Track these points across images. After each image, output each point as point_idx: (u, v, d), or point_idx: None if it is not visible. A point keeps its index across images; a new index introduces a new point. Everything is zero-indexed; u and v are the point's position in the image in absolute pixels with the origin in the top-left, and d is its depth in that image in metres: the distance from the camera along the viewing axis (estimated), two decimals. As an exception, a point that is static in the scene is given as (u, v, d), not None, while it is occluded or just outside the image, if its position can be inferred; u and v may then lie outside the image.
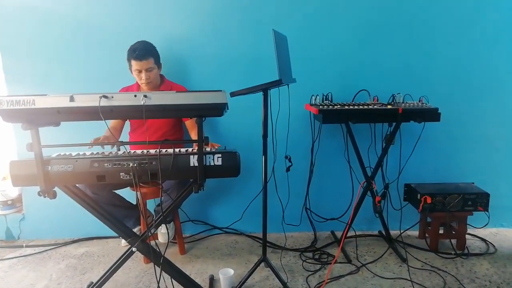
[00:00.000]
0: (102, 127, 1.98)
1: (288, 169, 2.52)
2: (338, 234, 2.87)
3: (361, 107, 2.47)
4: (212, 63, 2.73)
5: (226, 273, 2.19)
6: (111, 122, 2.50)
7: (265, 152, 2.16)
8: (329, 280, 2.29)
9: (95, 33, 2.67)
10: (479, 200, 2.61)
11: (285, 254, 2.63)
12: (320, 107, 2.47)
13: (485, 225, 2.79)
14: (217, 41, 2.71)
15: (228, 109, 1.76)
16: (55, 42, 2.69)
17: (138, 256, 2.53)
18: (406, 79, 2.78)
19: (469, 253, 2.61)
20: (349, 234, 2.74)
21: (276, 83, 1.91)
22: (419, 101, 2.58)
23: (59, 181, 1.72)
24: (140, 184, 1.75)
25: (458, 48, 2.76)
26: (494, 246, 2.72)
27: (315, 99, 2.59)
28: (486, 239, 2.82)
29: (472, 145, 2.90)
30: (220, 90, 1.65)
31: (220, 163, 1.77)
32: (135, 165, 1.71)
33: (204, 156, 1.75)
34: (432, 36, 2.74)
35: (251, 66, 2.72)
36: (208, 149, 1.92)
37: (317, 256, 2.60)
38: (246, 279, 2.22)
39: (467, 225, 2.70)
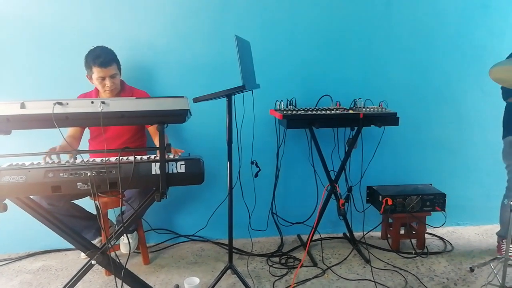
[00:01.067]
0: (58, 135, 1.89)
1: (256, 175, 2.52)
2: (304, 237, 2.90)
3: (324, 112, 2.52)
4: (175, 69, 2.69)
5: (192, 282, 2.14)
6: (69, 130, 2.40)
7: (230, 158, 2.14)
8: (295, 285, 2.30)
9: (49, 36, 2.54)
10: (436, 201, 2.73)
11: (252, 260, 2.62)
12: (285, 112, 2.49)
13: (442, 224, 2.92)
14: (180, 46, 2.67)
15: (191, 115, 1.73)
16: (3, 45, 2.53)
17: (99, 268, 2.43)
18: (367, 84, 2.86)
19: (428, 252, 2.71)
20: (314, 237, 2.78)
21: (240, 89, 1.90)
22: (379, 105, 2.67)
23: (10, 193, 1.61)
24: (100, 193, 1.68)
25: (414, 54, 2.87)
26: (451, 244, 2.85)
27: (279, 105, 2.61)
28: (444, 238, 2.94)
29: (428, 147, 3.03)
30: (182, 96, 1.62)
31: (184, 170, 1.74)
32: (93, 174, 1.64)
33: (166, 164, 1.71)
34: (389, 43, 2.84)
35: (215, 71, 2.70)
36: (171, 156, 1.88)
37: (283, 261, 2.61)
38: (213, 287, 2.19)
39: (426, 225, 2.81)
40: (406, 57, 2.88)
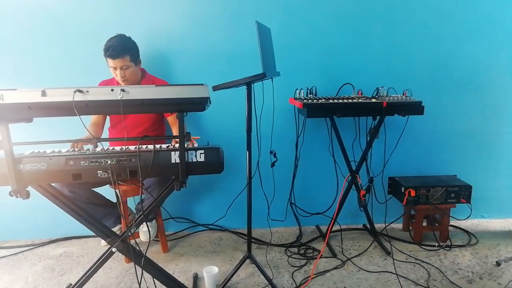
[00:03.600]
0: (79, 123, 1.90)
1: (273, 165, 2.48)
2: (323, 228, 2.86)
3: (345, 101, 2.45)
4: (194, 57, 2.66)
5: (210, 271, 2.14)
6: (92, 118, 2.41)
7: (249, 147, 2.11)
8: (314, 275, 2.28)
9: (69, 25, 2.54)
10: (461, 192, 2.64)
11: (270, 250, 2.60)
12: (305, 101, 2.43)
13: (467, 217, 2.83)
14: (199, 34, 2.63)
15: (210, 103, 1.70)
16: (24, 33, 2.55)
17: (119, 256, 2.46)
18: (390, 73, 2.77)
19: (452, 245, 2.64)
20: (334, 228, 2.73)
21: (260, 77, 1.85)
22: (403, 94, 2.58)
23: (32, 181, 1.63)
24: (120, 181, 1.68)
25: (438, 41, 2.75)
26: (475, 237, 2.76)
27: (299, 93, 2.55)
28: (468, 231, 2.86)
29: (454, 138, 2.92)
30: (202, 84, 1.59)
31: (203, 160, 1.72)
32: (113, 162, 1.64)
33: (186, 153, 1.69)
34: (414, 29, 2.73)
35: (234, 59, 2.66)
36: (190, 144, 1.86)
37: (302, 251, 2.58)
38: (231, 276, 2.18)
39: (450, 217, 2.72)
40: (431, 44, 2.76)
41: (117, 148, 1.80)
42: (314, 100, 2.45)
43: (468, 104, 2.87)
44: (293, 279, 2.25)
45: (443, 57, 2.79)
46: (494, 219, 3.06)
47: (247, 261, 2.25)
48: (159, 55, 2.65)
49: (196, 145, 1.84)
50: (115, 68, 2.27)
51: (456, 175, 2.85)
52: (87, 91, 1.53)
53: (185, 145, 1.71)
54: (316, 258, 2.47)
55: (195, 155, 1.71)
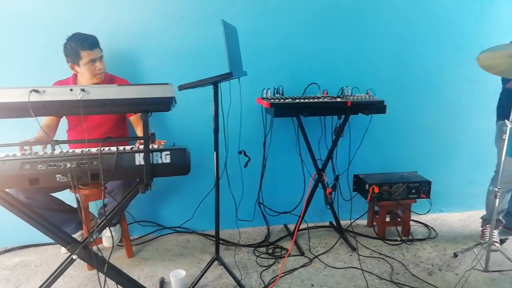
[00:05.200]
0: (33, 125, 1.79)
1: (246, 164, 2.47)
2: (291, 227, 2.89)
3: (311, 100, 2.48)
4: (159, 56, 2.59)
5: (177, 275, 2.10)
6: (43, 120, 2.29)
7: (216, 148, 2.09)
8: (282, 274, 2.29)
9: (25, 22, 2.40)
10: (421, 188, 2.75)
11: (239, 251, 2.59)
12: (272, 100, 2.44)
13: (427, 212, 2.95)
14: (164, 32, 2.56)
15: (176, 103, 1.67)
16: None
17: (81, 263, 2.35)
18: (354, 73, 2.83)
19: (413, 239, 2.74)
20: (301, 227, 2.77)
21: (226, 76, 1.84)
22: (366, 94, 2.65)
23: (-17, 187, 1.52)
24: (81, 186, 1.60)
25: (400, 42, 2.85)
26: (435, 230, 2.89)
27: (266, 93, 2.56)
28: (428, 225, 2.98)
29: (414, 135, 3.03)
30: (167, 83, 1.55)
31: (169, 161, 1.67)
32: (73, 165, 1.56)
33: (151, 154, 1.64)
34: (377, 32, 2.81)
35: (201, 58, 2.61)
36: (155, 146, 1.81)
37: (270, 251, 2.59)
38: (199, 279, 2.15)
39: (411, 212, 2.83)
40: (393, 46, 2.85)
41: (78, 150, 1.71)
42: (281, 100, 2.46)
43: (427, 103, 2.99)
44: (261, 279, 2.25)
45: (404, 58, 2.89)
46: (452, 213, 3.21)
47: (215, 263, 2.22)
48: (122, 54, 2.56)
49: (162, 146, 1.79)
50: (94, 61, 2.18)
51: (416, 172, 2.96)
52: (44, 91, 1.45)
53: (150, 147, 1.66)
54: (284, 257, 2.48)
55: (161, 157, 1.66)
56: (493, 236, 2.31)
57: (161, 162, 1.66)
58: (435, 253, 2.57)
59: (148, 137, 1.61)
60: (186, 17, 2.57)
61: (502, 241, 2.64)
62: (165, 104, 1.56)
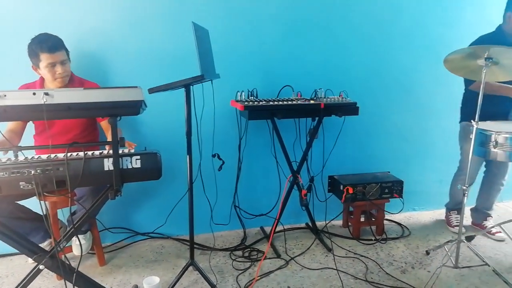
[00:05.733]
0: (-4, 130, 1.72)
1: (220, 168, 2.45)
2: (268, 229, 2.88)
3: (285, 102, 2.49)
4: (130, 58, 2.53)
5: (151, 282, 2.05)
6: (8, 124, 2.19)
7: (189, 151, 2.06)
8: (259, 277, 2.28)
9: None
10: (394, 188, 2.80)
11: (215, 255, 2.56)
12: (246, 103, 2.43)
13: (400, 211, 3.01)
14: (135, 34, 2.51)
15: (146, 106, 1.63)
16: None
17: (50, 273, 2.26)
18: (327, 75, 2.86)
19: (387, 238, 2.79)
20: (278, 229, 2.77)
21: (198, 79, 1.82)
22: (339, 95, 2.68)
23: None
24: (46, 193, 1.54)
25: (372, 45, 2.91)
26: (408, 229, 2.95)
27: (240, 95, 2.55)
28: (402, 223, 3.04)
29: (387, 136, 3.09)
30: (136, 86, 1.52)
31: (139, 166, 1.64)
32: (37, 172, 1.50)
33: (120, 159, 1.60)
34: (350, 34, 2.85)
35: (174, 60, 2.57)
36: (126, 150, 1.77)
37: (247, 254, 2.57)
38: (173, 285, 2.11)
39: (385, 212, 2.88)
40: (365, 48, 2.90)
41: (44, 156, 1.65)
42: (255, 102, 2.46)
43: (398, 104, 3.06)
44: (237, 283, 2.23)
45: (376, 61, 2.94)
46: (424, 211, 3.29)
47: (190, 268, 2.18)
48: (93, 56, 2.49)
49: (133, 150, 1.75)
50: (53, 65, 2.09)
51: (389, 172, 3.02)
52: (5, 95, 1.40)
53: (120, 151, 1.61)
54: (260, 260, 2.47)
55: (131, 161, 1.62)
56: (463, 233, 2.37)
57: (131, 167, 1.63)
58: (408, 251, 2.62)
59: (117, 142, 1.57)
60: (160, 19, 2.52)
61: (470, 238, 2.72)
62: (134, 107, 1.52)
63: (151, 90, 1.84)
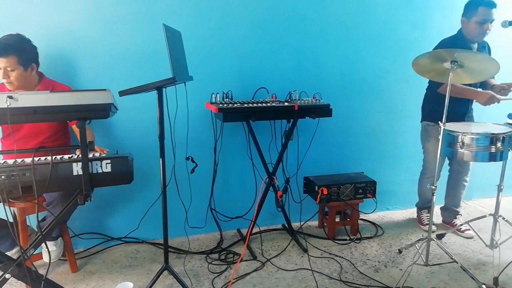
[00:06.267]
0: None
1: (193, 170, 2.44)
2: (244, 231, 2.88)
3: (259, 105, 2.50)
4: (102, 60, 2.49)
5: (125, 287, 2.02)
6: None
7: (162, 155, 2.04)
8: (234, 280, 2.28)
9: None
10: (368, 188, 2.86)
11: (190, 259, 2.54)
12: (220, 105, 2.43)
13: (373, 210, 3.07)
14: (107, 35, 2.47)
15: (117, 109, 1.62)
16: None
17: (18, 281, 2.19)
18: (302, 77, 2.90)
19: (361, 237, 2.84)
20: (254, 230, 2.77)
21: (170, 81, 1.81)
22: (313, 98, 2.71)
23: None
24: (12, 199, 1.50)
25: (345, 47, 2.96)
26: (382, 228, 3.01)
27: (215, 98, 2.55)
28: (376, 223, 3.10)
29: (360, 137, 3.15)
30: (105, 89, 1.50)
31: (110, 170, 1.61)
32: (1, 177, 1.45)
33: (90, 163, 1.57)
34: (324, 37, 2.89)
35: (147, 62, 2.55)
36: (97, 154, 1.74)
37: (223, 257, 2.56)
38: (148, 290, 2.09)
39: (359, 212, 2.93)
40: (339, 51, 2.95)
41: (10, 161, 1.60)
42: (230, 105, 2.46)
43: (372, 106, 3.12)
44: (213, 286, 2.23)
45: (349, 63, 3.00)
46: (397, 210, 3.37)
47: (165, 272, 2.16)
48: (63, 59, 2.44)
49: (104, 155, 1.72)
50: (1, 69, 2.02)
51: (363, 172, 3.08)
52: (-34, 98, 1.34)
53: (89, 155, 1.59)
54: (236, 262, 2.47)
55: (101, 166, 1.60)
56: (432, 231, 2.44)
57: (101, 171, 1.60)
58: (381, 250, 2.68)
59: (86, 146, 1.55)
60: (132, 19, 2.49)
61: (440, 236, 2.81)
62: (103, 111, 1.50)
63: (122, 93, 1.82)
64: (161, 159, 2.04)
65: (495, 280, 2.14)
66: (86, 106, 1.46)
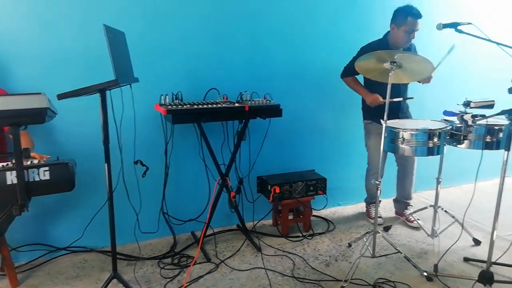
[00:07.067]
0: None
1: (144, 174, 2.37)
2: (199, 234, 2.85)
3: (210, 106, 2.49)
4: (41, 62, 2.35)
5: (71, 300, 1.93)
6: None
7: (107, 159, 1.97)
8: (187, 284, 2.25)
9: None
10: (318, 185, 2.94)
11: (142, 265, 2.48)
12: (169, 107, 2.39)
13: (324, 207, 3.16)
14: (46, 36, 2.34)
15: (55, 114, 1.54)
16: None
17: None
18: (253, 78, 2.92)
19: (314, 233, 2.92)
20: (208, 232, 2.75)
21: (113, 83, 1.75)
22: (264, 98, 2.74)
23: None
24: None
25: (294, 48, 3.02)
26: (333, 223, 3.11)
27: (164, 99, 2.50)
28: (328, 218, 3.20)
29: (311, 135, 3.23)
30: (39, 93, 1.42)
31: (48, 178, 1.55)
32: None
33: (26, 171, 1.49)
34: (273, 38, 2.94)
35: (90, 64, 2.44)
36: (36, 161, 1.65)
37: (176, 261, 2.53)
38: (96, 301, 2.01)
39: (312, 208, 3.01)
40: (288, 51, 3.01)
41: None
42: (179, 106, 2.43)
43: (320, 105, 3.21)
44: (166, 291, 2.19)
45: (298, 63, 3.06)
46: (347, 206, 3.49)
47: (115, 281, 2.09)
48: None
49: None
50: None
51: (314, 170, 3.16)
52: None
53: (26, 163, 1.50)
54: (189, 265, 2.44)
55: (38, 173, 1.52)
56: (378, 224, 2.56)
57: (38, 179, 1.53)
58: (332, 245, 2.76)
59: (20, 153, 1.46)
60: (74, 19, 2.38)
61: (387, 228, 2.95)
62: (37, 116, 1.43)
63: (60, 96, 1.72)
64: (106, 164, 1.97)
65: (435, 267, 2.28)
66: (17, 111, 1.38)
